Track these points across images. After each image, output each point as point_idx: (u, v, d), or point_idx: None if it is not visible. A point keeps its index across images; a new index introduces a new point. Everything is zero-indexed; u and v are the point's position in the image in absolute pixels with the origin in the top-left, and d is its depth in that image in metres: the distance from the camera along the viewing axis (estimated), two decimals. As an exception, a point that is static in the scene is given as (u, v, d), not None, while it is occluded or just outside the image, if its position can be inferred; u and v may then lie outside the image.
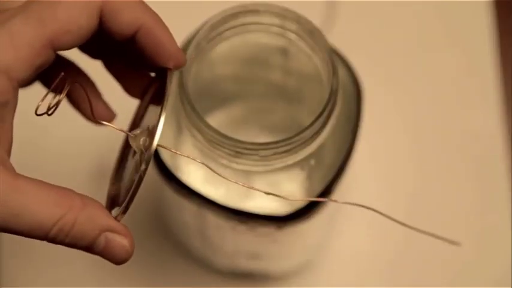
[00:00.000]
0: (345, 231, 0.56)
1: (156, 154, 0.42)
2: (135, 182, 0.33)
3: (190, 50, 0.39)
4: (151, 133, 0.34)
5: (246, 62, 0.46)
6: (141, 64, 0.36)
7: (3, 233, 0.54)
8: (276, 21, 0.41)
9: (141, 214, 0.55)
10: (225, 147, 0.38)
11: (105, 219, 0.33)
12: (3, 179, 0.31)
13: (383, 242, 0.56)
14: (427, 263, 0.55)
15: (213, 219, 0.44)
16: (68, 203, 0.32)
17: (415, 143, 0.59)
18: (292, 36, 0.41)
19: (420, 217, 0.57)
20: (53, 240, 0.32)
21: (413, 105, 0.60)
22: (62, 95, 0.32)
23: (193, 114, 0.38)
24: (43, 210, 0.31)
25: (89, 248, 0.33)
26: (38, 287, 0.54)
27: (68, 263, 0.54)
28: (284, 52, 0.43)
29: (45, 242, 0.54)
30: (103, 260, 0.54)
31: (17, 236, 0.55)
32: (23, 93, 0.34)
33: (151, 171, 0.44)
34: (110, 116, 0.40)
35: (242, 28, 0.40)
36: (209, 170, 0.35)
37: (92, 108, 0.39)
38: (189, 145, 0.42)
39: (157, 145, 0.33)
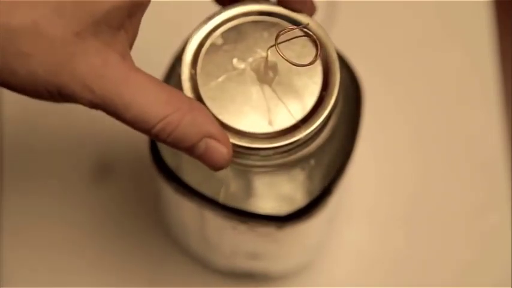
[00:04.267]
0: (345, 231, 0.56)
1: (156, 153, 0.42)
2: None
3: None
4: None
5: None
6: None
7: (3, 233, 0.54)
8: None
9: (140, 214, 0.55)
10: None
11: (208, 125, 0.34)
12: (120, 68, 0.32)
13: (383, 242, 0.56)
14: (427, 263, 0.55)
15: (213, 218, 0.44)
16: (176, 104, 0.33)
17: (415, 143, 0.59)
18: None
19: (420, 217, 0.57)
20: (156, 137, 0.33)
21: (413, 105, 0.60)
22: None
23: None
24: (150, 106, 0.33)
25: (189, 150, 0.34)
26: (38, 287, 0.54)
27: (68, 263, 0.54)
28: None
29: (44, 243, 0.54)
30: (103, 260, 0.55)
31: (18, 236, 0.55)
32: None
33: (151, 170, 0.44)
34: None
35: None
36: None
37: None
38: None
39: None
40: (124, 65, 0.33)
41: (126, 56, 0.34)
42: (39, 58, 0.31)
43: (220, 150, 0.34)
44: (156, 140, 0.34)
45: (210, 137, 0.34)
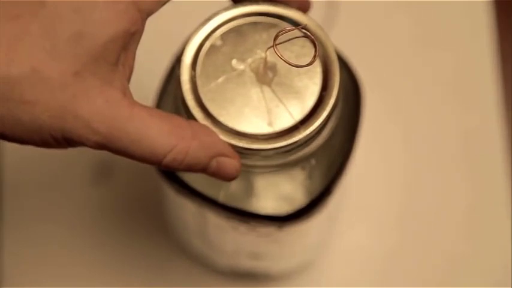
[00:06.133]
0: (345, 231, 0.56)
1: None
2: None
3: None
4: None
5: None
6: None
7: (3, 233, 0.54)
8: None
9: (141, 214, 0.55)
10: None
11: (215, 144, 0.35)
12: (123, 106, 0.32)
13: (383, 242, 0.56)
14: (427, 263, 0.55)
15: (213, 219, 0.44)
16: (180, 133, 0.33)
17: (415, 142, 0.59)
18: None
19: (420, 217, 0.57)
20: (167, 167, 0.34)
21: (413, 105, 0.60)
22: None
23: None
24: (156, 140, 0.33)
25: (201, 171, 0.35)
26: (38, 287, 0.54)
27: (68, 263, 0.54)
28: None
29: (43, 244, 0.54)
30: (103, 260, 0.55)
31: (17, 236, 0.55)
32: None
33: (151, 170, 0.44)
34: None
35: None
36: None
37: None
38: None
39: None
40: (126, 102, 0.33)
41: (125, 92, 0.33)
42: (42, 104, 0.31)
43: (233, 163, 0.35)
44: (168, 169, 0.34)
45: (220, 155, 0.35)
